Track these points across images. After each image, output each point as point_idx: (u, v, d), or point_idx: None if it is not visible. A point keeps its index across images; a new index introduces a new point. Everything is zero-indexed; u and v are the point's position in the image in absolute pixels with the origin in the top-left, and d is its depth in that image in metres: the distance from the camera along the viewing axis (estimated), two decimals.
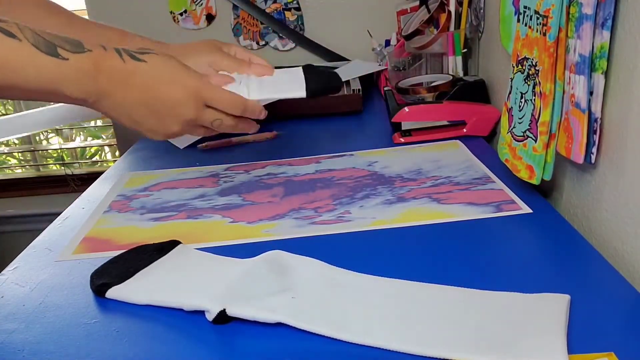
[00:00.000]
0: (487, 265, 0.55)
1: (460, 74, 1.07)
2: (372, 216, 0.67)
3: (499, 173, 0.76)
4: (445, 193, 0.72)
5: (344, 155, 0.89)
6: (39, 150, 1.95)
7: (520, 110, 0.68)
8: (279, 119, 1.12)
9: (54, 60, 0.52)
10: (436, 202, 0.69)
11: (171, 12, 1.51)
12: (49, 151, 2.01)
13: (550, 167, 0.64)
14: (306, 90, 0.67)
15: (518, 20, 0.69)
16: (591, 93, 0.57)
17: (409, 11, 1.29)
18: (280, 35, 1.51)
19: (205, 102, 0.61)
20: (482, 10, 1.02)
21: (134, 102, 0.58)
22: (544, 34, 0.61)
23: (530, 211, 0.65)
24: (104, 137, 2.17)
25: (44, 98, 0.55)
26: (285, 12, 1.50)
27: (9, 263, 0.63)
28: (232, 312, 0.48)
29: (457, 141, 0.91)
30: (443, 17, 1.07)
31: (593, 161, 0.58)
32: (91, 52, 0.54)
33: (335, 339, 0.45)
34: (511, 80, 0.71)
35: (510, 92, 0.72)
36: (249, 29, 1.52)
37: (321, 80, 0.70)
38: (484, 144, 0.90)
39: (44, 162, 2.02)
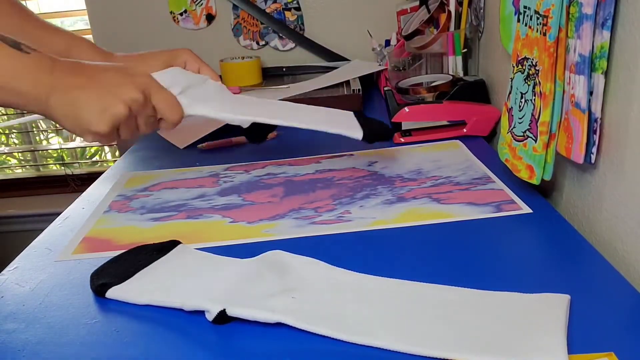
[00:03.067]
0: (488, 265, 0.55)
1: (460, 74, 1.07)
2: (372, 216, 0.67)
3: (499, 173, 0.76)
4: (446, 193, 0.72)
5: (343, 155, 0.89)
6: (39, 150, 1.95)
7: (520, 110, 0.68)
8: None
9: (17, 53, 0.55)
10: (436, 202, 0.69)
11: (171, 12, 1.51)
12: (49, 151, 2.01)
13: (550, 167, 0.64)
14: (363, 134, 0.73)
15: (518, 20, 0.69)
16: (591, 93, 0.57)
17: (409, 11, 1.29)
18: (280, 35, 1.51)
19: (151, 94, 0.62)
20: (482, 10, 1.02)
21: (81, 84, 0.58)
22: (544, 34, 0.61)
23: (531, 211, 0.65)
24: None
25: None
26: (285, 12, 1.50)
27: (9, 263, 0.63)
28: (232, 312, 0.48)
29: (457, 141, 0.91)
30: (443, 17, 1.07)
31: (593, 161, 0.58)
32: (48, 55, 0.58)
33: (335, 339, 0.45)
34: (511, 80, 0.71)
35: (510, 92, 0.72)
36: (249, 29, 1.52)
37: (373, 127, 0.75)
38: (484, 144, 0.90)
39: (44, 162, 2.02)
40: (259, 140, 0.74)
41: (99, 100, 0.59)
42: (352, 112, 0.78)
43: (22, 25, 0.74)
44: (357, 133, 0.72)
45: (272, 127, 0.73)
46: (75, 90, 0.58)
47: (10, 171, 1.99)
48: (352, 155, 0.89)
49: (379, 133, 0.74)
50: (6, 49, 0.54)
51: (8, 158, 2.14)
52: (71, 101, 0.58)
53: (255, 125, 0.70)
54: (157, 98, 0.63)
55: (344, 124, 0.75)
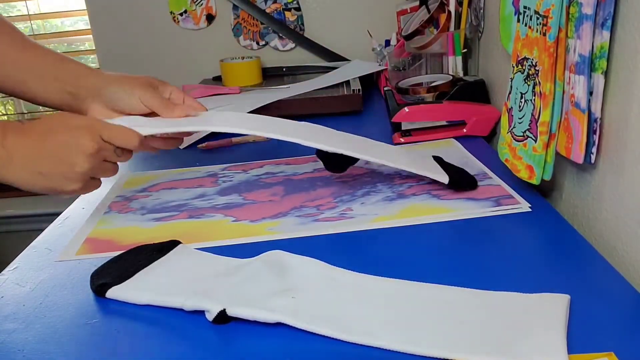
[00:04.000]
0: (487, 265, 0.55)
1: (460, 74, 1.07)
2: (374, 212, 0.67)
3: (495, 170, 0.76)
4: (445, 189, 0.72)
5: None
6: None
7: (520, 110, 0.68)
8: None
9: None
10: (436, 198, 0.70)
11: (171, 13, 1.51)
12: None
13: (550, 167, 0.64)
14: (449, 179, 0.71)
15: (518, 20, 0.69)
16: (591, 93, 0.57)
17: (409, 11, 1.28)
18: (280, 35, 1.51)
19: (101, 134, 0.62)
20: (482, 10, 1.02)
21: (36, 155, 0.59)
22: (544, 34, 0.61)
23: (529, 205, 0.65)
24: None
25: None
26: (285, 12, 1.50)
27: (9, 263, 0.63)
28: (232, 312, 0.48)
29: (451, 139, 0.91)
30: (443, 17, 1.07)
31: (593, 161, 0.58)
32: None
33: (335, 339, 0.45)
34: (511, 80, 0.71)
35: (510, 92, 0.72)
36: (249, 29, 1.52)
37: (456, 171, 0.73)
38: (483, 143, 0.90)
39: None
40: (337, 170, 0.74)
41: (60, 166, 0.60)
42: (431, 156, 0.77)
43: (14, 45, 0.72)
44: (443, 177, 0.70)
45: (351, 160, 0.73)
46: (32, 161, 0.59)
47: None
48: None
49: (466, 180, 0.72)
50: None
51: None
52: (33, 174, 0.59)
53: (334, 156, 0.71)
54: (108, 135, 0.63)
55: (427, 166, 0.73)
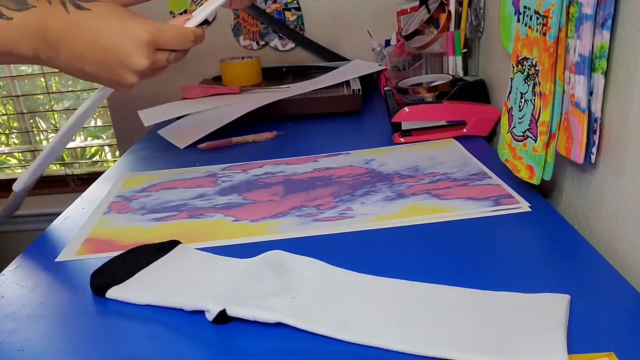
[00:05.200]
0: (487, 264, 0.55)
1: (460, 74, 1.07)
2: (374, 212, 0.67)
3: (495, 169, 0.76)
4: (444, 189, 0.72)
5: (340, 154, 0.90)
6: (39, 150, 1.95)
7: (520, 110, 0.68)
8: (279, 119, 1.12)
9: (0, 21, 0.50)
10: (436, 198, 0.70)
11: (171, 12, 1.51)
12: None
13: (550, 167, 0.64)
14: None
15: (518, 20, 0.69)
16: (591, 93, 0.57)
17: (409, 11, 1.29)
18: (280, 35, 1.51)
19: (156, 47, 0.58)
20: (482, 10, 1.02)
21: (83, 57, 0.55)
22: (544, 34, 0.61)
23: (529, 205, 0.65)
24: (104, 137, 2.17)
25: (3, 60, 0.54)
26: (285, 12, 1.50)
27: (9, 263, 0.63)
28: (232, 312, 0.48)
29: (451, 139, 0.91)
30: (443, 17, 1.07)
31: (593, 161, 0.58)
32: (35, 8, 0.52)
33: (335, 339, 0.45)
34: (511, 80, 0.71)
35: (510, 92, 0.72)
36: (249, 29, 1.52)
37: None
38: (483, 143, 0.90)
39: None
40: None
41: (108, 73, 0.56)
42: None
43: None
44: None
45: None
46: (79, 61, 0.54)
47: (11, 171, 1.99)
48: (348, 154, 0.89)
49: None
50: None
51: (8, 158, 2.15)
52: (80, 73, 0.56)
53: None
54: (165, 43, 0.58)
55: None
